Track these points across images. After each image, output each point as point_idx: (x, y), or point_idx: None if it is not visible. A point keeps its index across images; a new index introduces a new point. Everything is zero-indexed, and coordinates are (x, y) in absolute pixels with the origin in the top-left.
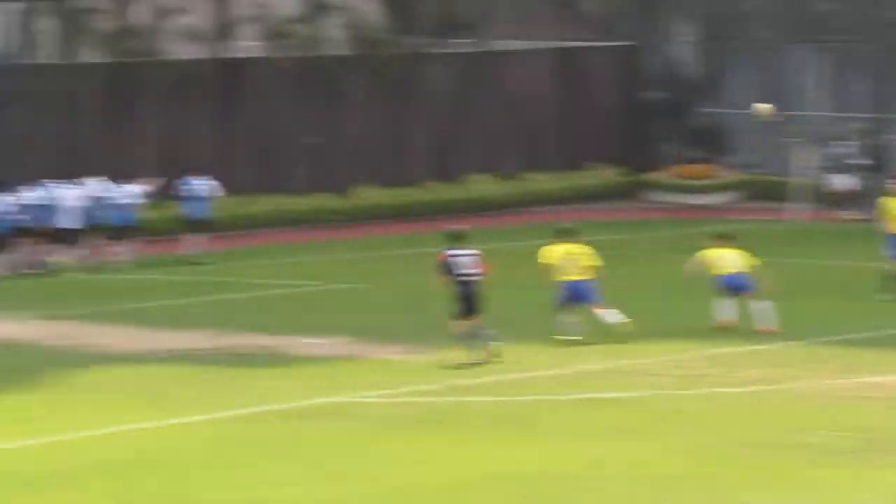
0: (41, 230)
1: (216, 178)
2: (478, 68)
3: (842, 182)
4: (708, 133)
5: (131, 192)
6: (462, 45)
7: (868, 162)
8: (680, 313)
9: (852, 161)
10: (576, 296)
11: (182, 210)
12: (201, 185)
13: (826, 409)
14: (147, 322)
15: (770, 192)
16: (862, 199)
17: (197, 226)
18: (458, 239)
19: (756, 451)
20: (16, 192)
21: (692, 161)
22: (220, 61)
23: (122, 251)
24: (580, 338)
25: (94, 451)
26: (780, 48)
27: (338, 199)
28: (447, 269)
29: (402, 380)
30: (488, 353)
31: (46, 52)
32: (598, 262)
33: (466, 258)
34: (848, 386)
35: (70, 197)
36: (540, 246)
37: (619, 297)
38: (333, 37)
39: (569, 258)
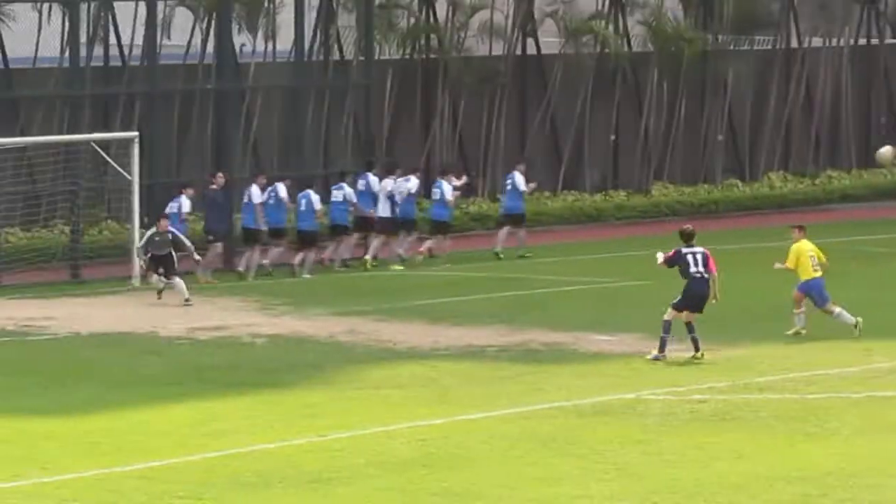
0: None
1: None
2: (777, 65)
3: None
4: None
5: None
6: (762, 42)
7: None
8: None
9: None
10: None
11: (503, 204)
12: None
13: None
14: (435, 318)
15: None
16: None
17: (514, 220)
18: (689, 238)
19: None
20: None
21: None
22: (520, 58)
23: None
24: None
25: (380, 448)
26: None
27: (635, 196)
28: (680, 264)
29: (689, 377)
30: (695, 352)
31: (346, 48)
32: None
33: (698, 256)
34: None
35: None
36: (841, 244)
37: None
38: (633, 33)
39: (811, 256)
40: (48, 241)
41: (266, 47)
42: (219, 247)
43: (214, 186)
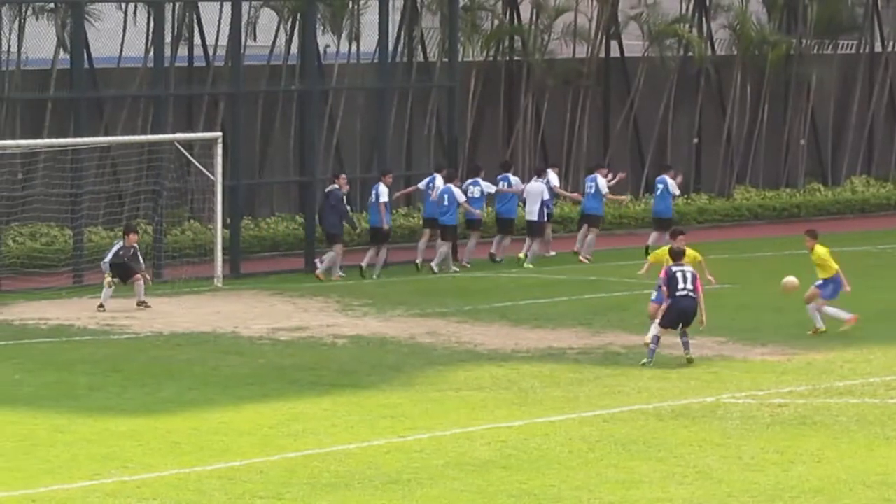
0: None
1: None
2: (861, 70)
3: None
4: None
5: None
6: (846, 46)
7: None
8: None
9: None
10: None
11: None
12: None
13: None
14: (516, 320)
15: None
16: None
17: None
18: (678, 256)
19: None
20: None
21: None
22: (603, 60)
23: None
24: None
25: (459, 449)
26: None
27: (717, 199)
28: (670, 282)
29: (770, 381)
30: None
31: (430, 50)
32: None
33: (688, 275)
34: None
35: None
36: None
37: None
38: (717, 37)
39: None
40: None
41: (350, 48)
42: (339, 247)
43: (337, 187)
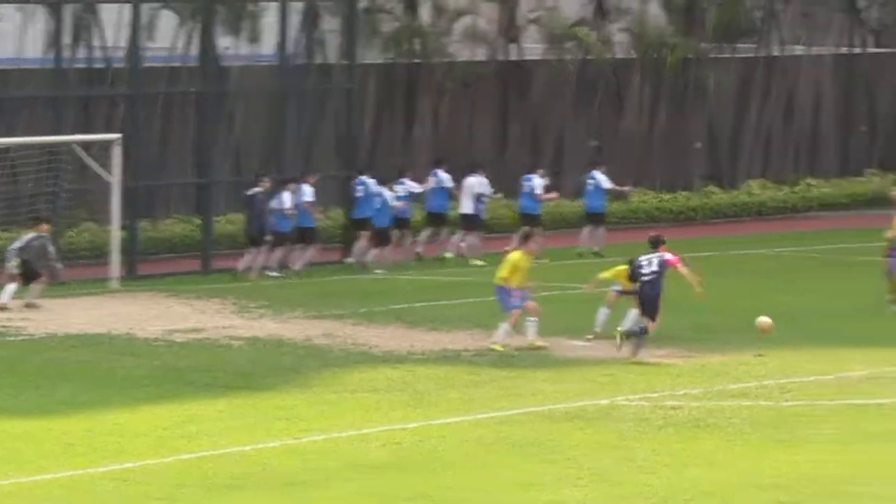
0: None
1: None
2: (758, 73)
3: None
4: None
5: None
6: (744, 49)
7: None
8: None
9: None
10: None
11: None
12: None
13: None
14: (411, 322)
15: None
16: None
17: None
18: (654, 245)
19: None
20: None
21: None
22: (503, 63)
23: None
24: None
25: (354, 451)
26: None
27: (614, 202)
28: (634, 271)
29: (664, 383)
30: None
31: (329, 52)
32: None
33: (653, 259)
34: None
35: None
36: (818, 252)
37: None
38: (616, 40)
39: None
40: None
41: (250, 50)
42: (266, 248)
43: (261, 190)
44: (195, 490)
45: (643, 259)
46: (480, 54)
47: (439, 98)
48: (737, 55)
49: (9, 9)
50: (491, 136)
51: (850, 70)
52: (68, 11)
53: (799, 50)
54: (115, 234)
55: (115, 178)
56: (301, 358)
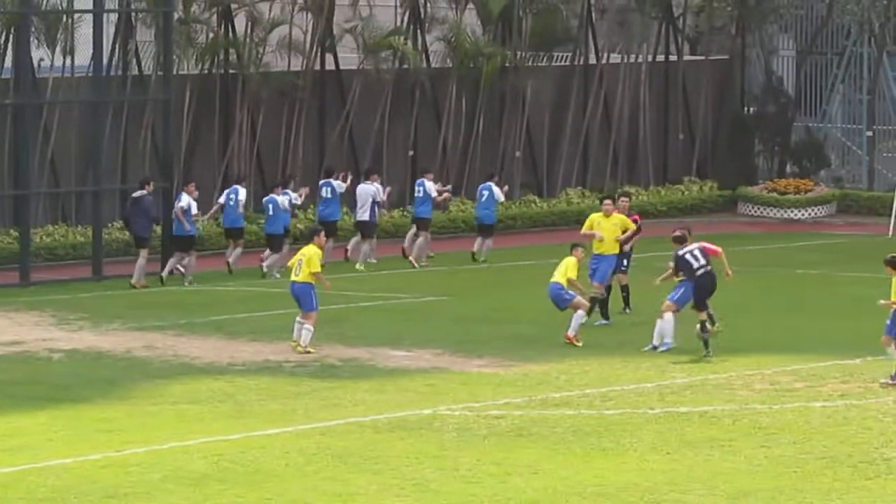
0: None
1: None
2: (576, 81)
3: None
4: (804, 147)
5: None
6: (561, 58)
7: None
8: (777, 329)
9: None
10: None
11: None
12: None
13: None
14: (232, 333)
15: (863, 207)
16: None
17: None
18: (681, 241)
19: (835, 465)
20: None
21: (790, 175)
22: (318, 73)
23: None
24: None
25: (176, 463)
26: (879, 62)
27: (434, 211)
28: (683, 268)
29: (487, 392)
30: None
31: (145, 63)
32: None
33: (696, 253)
34: None
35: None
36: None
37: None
38: (433, 49)
39: None
40: None
41: (64, 62)
42: (144, 253)
43: (146, 192)
44: None
45: (686, 254)
46: (296, 64)
47: (256, 108)
48: (554, 63)
49: None
50: (309, 144)
51: (667, 77)
52: None
53: (615, 58)
54: None
55: None
56: (121, 370)
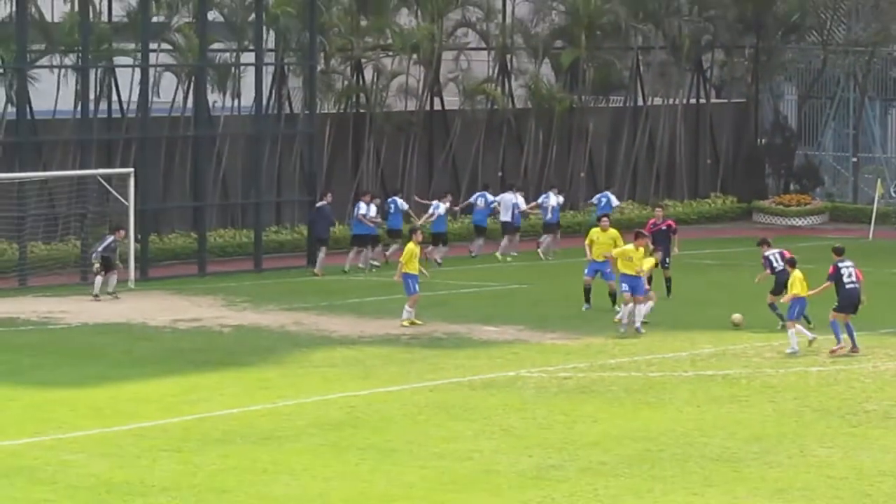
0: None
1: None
2: (627, 119)
3: None
4: (804, 170)
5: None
6: (615, 100)
7: None
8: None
9: None
10: None
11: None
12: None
13: (886, 386)
14: (362, 313)
15: (849, 216)
16: None
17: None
18: (840, 253)
19: (828, 416)
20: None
21: (793, 192)
22: (428, 112)
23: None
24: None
25: (317, 412)
26: (862, 104)
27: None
28: (837, 277)
29: (558, 359)
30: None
31: (294, 104)
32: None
33: (851, 269)
34: None
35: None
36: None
37: (735, 297)
38: (517, 94)
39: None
40: (63, 253)
41: (233, 103)
42: (324, 250)
43: (325, 202)
44: (195, 443)
45: (843, 268)
46: (411, 105)
47: (380, 140)
48: (610, 105)
49: (45, 72)
50: (420, 168)
51: (697, 116)
52: (92, 74)
53: (658, 101)
54: (131, 246)
55: (130, 202)
56: (276, 340)
